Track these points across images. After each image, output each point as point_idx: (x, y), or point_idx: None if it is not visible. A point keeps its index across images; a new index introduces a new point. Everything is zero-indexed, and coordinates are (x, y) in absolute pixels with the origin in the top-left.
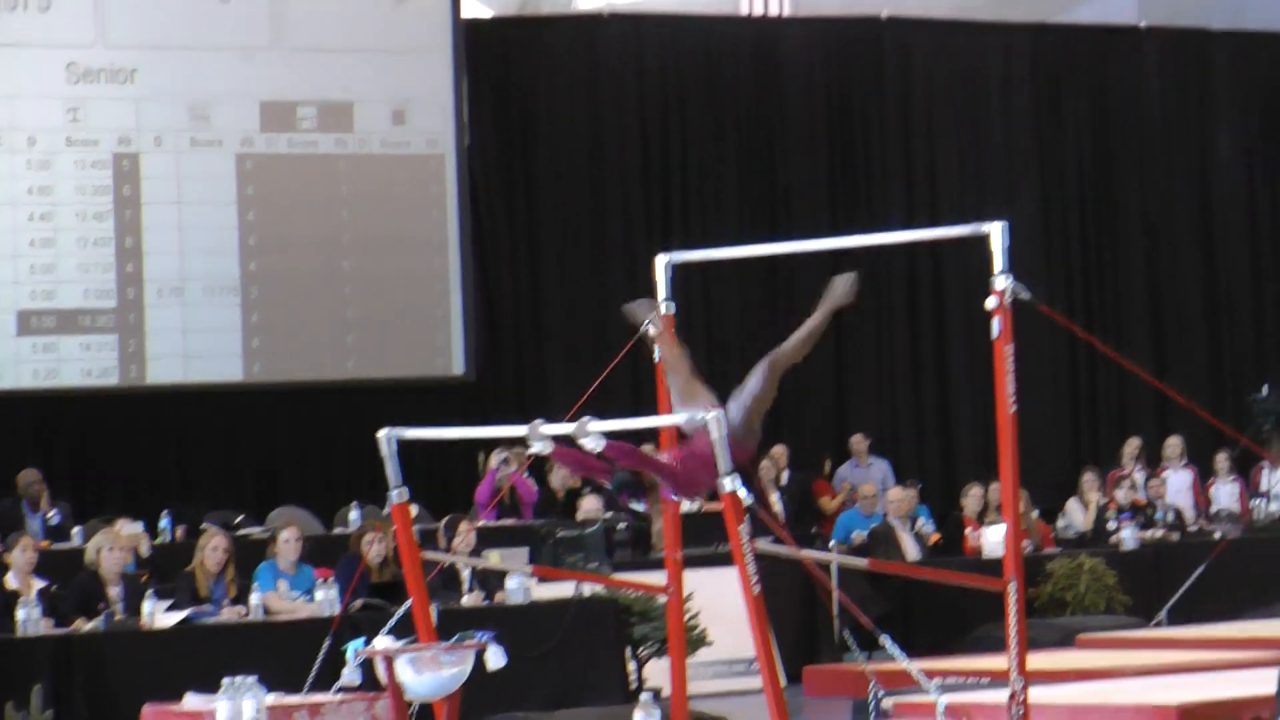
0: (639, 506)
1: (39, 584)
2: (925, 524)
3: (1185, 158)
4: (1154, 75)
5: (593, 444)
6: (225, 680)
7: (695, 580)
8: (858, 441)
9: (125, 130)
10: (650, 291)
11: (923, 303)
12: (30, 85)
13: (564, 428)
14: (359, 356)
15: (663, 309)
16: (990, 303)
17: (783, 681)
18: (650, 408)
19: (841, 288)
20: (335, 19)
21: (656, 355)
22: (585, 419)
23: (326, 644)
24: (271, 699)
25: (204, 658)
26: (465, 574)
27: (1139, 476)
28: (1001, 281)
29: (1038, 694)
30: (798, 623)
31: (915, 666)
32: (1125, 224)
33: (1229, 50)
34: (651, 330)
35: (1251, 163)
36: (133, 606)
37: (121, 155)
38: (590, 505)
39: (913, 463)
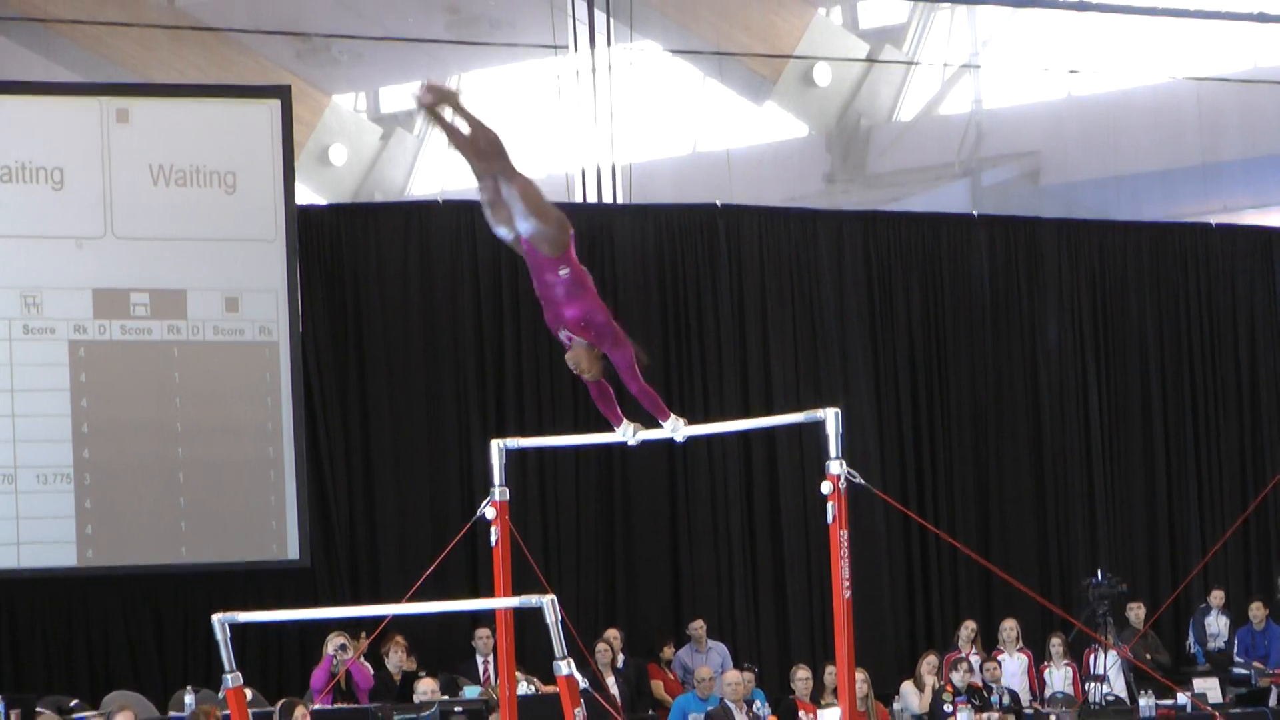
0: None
1: None
2: (761, 707)
3: (1016, 345)
4: (985, 263)
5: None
6: None
7: None
8: (697, 627)
9: None
10: (484, 478)
11: (758, 487)
12: None
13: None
14: (193, 542)
15: (496, 495)
16: (825, 488)
17: None
18: (487, 590)
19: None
20: (168, 207)
21: (493, 540)
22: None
23: None
24: None
25: None
26: None
27: (974, 659)
28: (835, 467)
29: None
30: None
31: None
32: (957, 410)
33: (1060, 239)
34: None
35: (1082, 351)
36: None
37: None
38: (426, 688)
39: (750, 646)
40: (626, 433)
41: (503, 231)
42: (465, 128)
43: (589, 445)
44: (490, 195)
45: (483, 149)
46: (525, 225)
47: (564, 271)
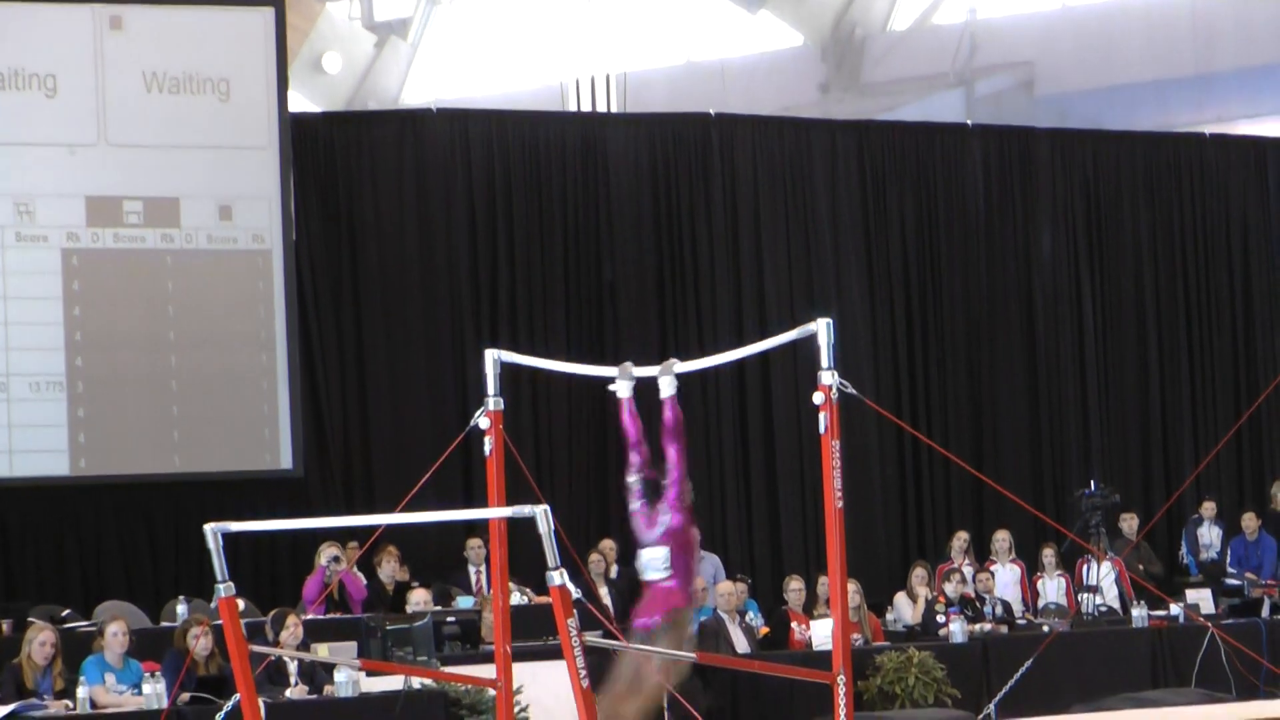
0: (635, 504)
1: None
2: (754, 618)
3: (1010, 255)
4: (979, 173)
5: (668, 388)
6: None
7: (525, 673)
8: None
9: None
10: (479, 387)
11: (751, 398)
12: None
13: (652, 369)
14: (185, 452)
15: (491, 404)
16: (817, 398)
17: None
18: (480, 501)
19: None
20: (161, 115)
21: (487, 450)
22: (672, 361)
23: None
24: None
25: None
26: (292, 668)
27: (967, 570)
28: (827, 377)
29: None
30: None
31: None
32: (951, 320)
33: (1053, 149)
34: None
35: (1076, 260)
36: None
37: None
38: (419, 598)
39: (742, 557)
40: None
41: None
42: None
43: (583, 348)
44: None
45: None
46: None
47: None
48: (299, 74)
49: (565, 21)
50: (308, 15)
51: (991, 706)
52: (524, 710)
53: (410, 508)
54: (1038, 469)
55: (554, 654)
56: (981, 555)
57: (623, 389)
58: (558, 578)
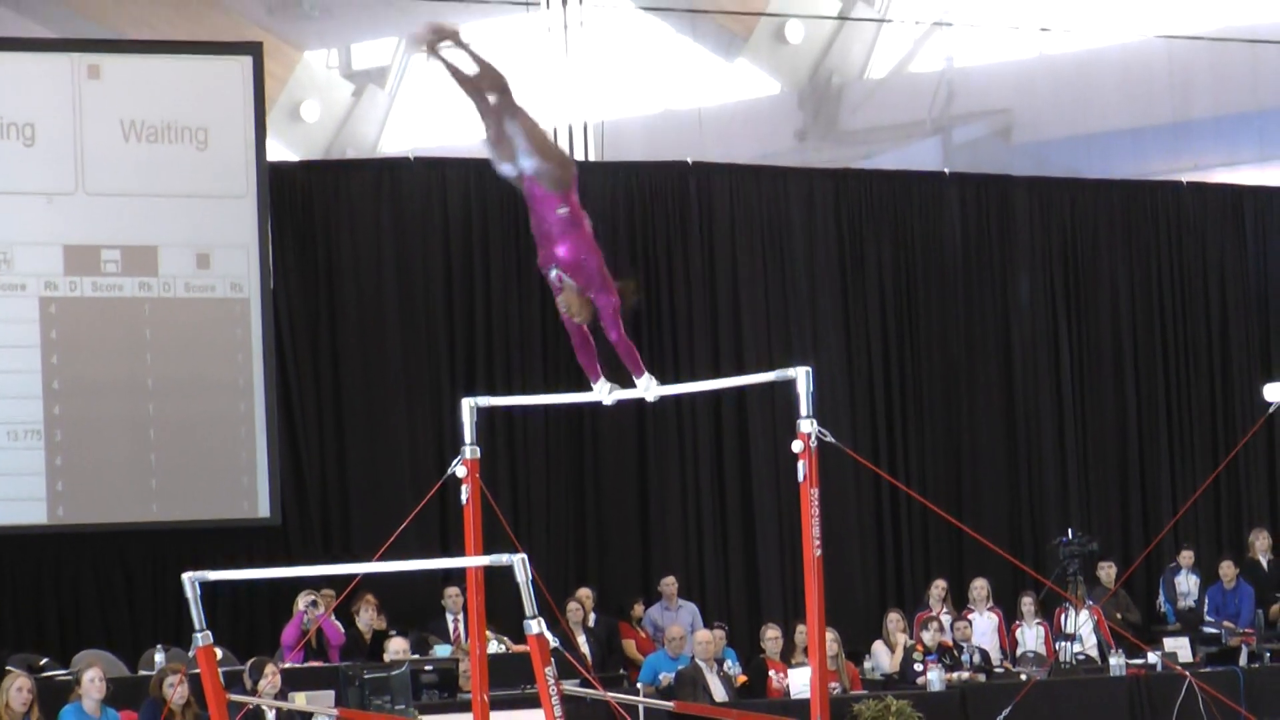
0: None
1: None
2: (732, 666)
3: (988, 303)
4: (956, 220)
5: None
6: None
7: None
8: (668, 584)
9: None
10: (456, 436)
11: (728, 445)
12: None
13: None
14: (163, 499)
15: (468, 453)
16: (795, 446)
17: None
18: (458, 549)
19: None
20: (139, 163)
21: (464, 498)
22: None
23: None
24: None
25: None
26: (270, 716)
27: (945, 618)
28: (806, 425)
29: None
30: None
31: None
32: (929, 368)
33: (1031, 197)
34: None
35: (1054, 309)
36: None
37: None
38: (397, 646)
39: (720, 605)
40: (602, 391)
41: (506, 168)
42: (470, 66)
43: (560, 404)
44: (494, 132)
45: (486, 86)
46: (528, 162)
47: (562, 211)
48: (277, 122)
49: (542, 70)
50: (285, 64)
51: None
52: None
53: (388, 556)
54: (1016, 517)
55: (532, 702)
56: (959, 603)
57: (603, 394)
58: (535, 626)
